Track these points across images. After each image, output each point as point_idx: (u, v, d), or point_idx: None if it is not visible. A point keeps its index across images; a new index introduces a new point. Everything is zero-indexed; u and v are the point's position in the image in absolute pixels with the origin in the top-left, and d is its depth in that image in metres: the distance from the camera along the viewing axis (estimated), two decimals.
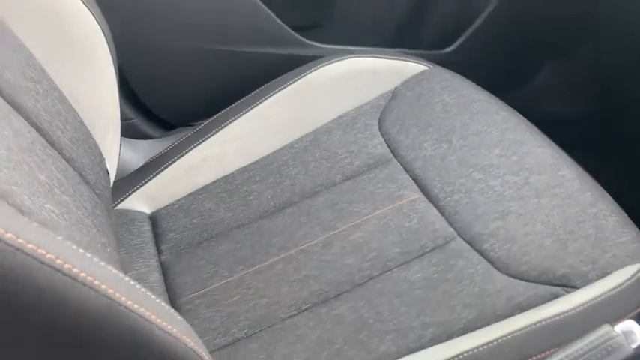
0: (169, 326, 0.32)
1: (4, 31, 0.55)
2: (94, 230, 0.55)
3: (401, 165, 0.75)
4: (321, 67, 0.83)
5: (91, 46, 0.64)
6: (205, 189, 0.77)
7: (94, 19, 0.63)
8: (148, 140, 0.91)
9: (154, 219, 0.76)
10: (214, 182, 0.78)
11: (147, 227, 0.74)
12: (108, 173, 0.70)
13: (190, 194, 0.77)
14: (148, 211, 0.77)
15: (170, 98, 0.93)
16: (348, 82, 0.83)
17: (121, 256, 0.69)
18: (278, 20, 0.88)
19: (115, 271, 0.31)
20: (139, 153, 0.87)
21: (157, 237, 0.74)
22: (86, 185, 0.60)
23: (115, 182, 0.75)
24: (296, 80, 0.82)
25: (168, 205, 0.76)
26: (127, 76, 0.88)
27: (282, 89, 0.81)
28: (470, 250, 0.63)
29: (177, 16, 0.84)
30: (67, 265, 0.27)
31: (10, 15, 0.56)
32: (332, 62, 0.83)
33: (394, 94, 0.83)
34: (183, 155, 0.78)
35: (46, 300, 0.25)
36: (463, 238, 0.65)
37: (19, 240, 0.25)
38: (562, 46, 1.04)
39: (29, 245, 0.25)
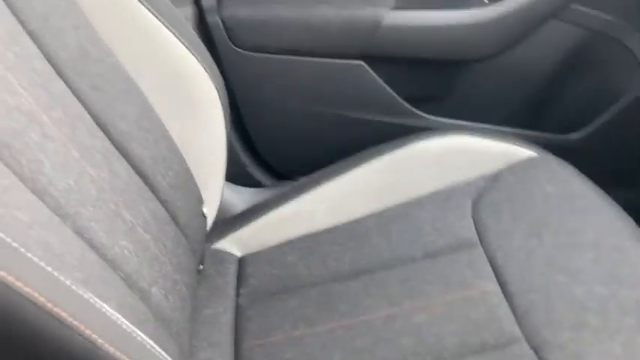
0: None
1: (129, 85, 0.64)
2: (168, 267, 0.61)
3: (484, 252, 0.72)
4: (424, 139, 0.84)
5: (204, 102, 0.72)
6: (291, 242, 0.81)
7: (210, 78, 0.71)
8: (253, 188, 0.98)
9: (242, 262, 0.81)
10: (301, 237, 0.81)
11: (233, 269, 0.80)
12: (204, 216, 0.77)
13: (277, 245, 0.81)
14: (238, 254, 0.82)
15: (282, 151, 1.00)
16: (450, 158, 0.83)
17: (202, 293, 0.75)
18: (389, 89, 0.91)
19: (113, 318, 0.35)
20: (243, 199, 0.94)
21: (240, 280, 0.79)
22: (175, 226, 0.67)
23: (214, 223, 0.82)
24: (396, 150, 0.84)
25: (256, 252, 0.82)
26: (247, 127, 0.97)
27: (381, 156, 0.83)
28: (532, 358, 0.59)
29: (294, 78, 0.91)
30: (55, 309, 0.31)
31: (135, 68, 0.65)
32: (436, 136, 0.84)
33: (495, 178, 0.81)
34: (278, 207, 0.83)
35: (26, 336, 0.30)
36: (528, 343, 0.61)
37: (18, 283, 0.30)
38: None
39: (26, 289, 0.31)
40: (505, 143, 0.83)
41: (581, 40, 0.90)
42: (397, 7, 0.88)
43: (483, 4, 0.89)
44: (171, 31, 0.67)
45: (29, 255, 0.33)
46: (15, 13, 0.49)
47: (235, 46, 0.90)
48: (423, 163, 0.83)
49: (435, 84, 0.95)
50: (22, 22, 0.49)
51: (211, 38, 0.91)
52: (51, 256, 0.40)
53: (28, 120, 0.46)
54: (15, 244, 0.33)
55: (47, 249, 0.40)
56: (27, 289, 0.30)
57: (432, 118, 0.94)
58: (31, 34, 0.50)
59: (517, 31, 0.89)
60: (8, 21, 0.48)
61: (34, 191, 0.43)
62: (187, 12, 0.91)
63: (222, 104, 0.74)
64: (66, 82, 0.53)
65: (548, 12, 0.88)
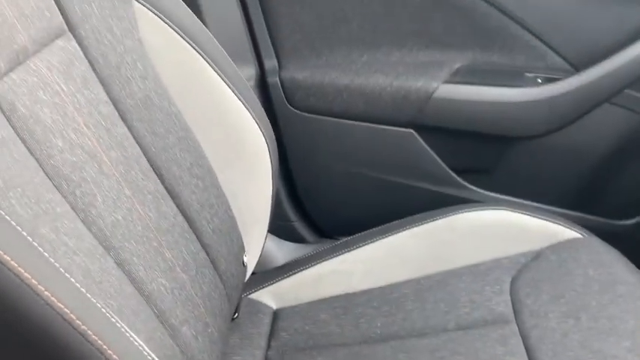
0: None
1: (186, 134, 0.69)
2: (201, 309, 0.64)
3: (518, 329, 0.71)
4: (467, 211, 0.84)
5: (255, 156, 0.76)
6: (326, 300, 0.82)
7: (262, 135, 0.75)
8: (296, 243, 1.00)
9: (276, 315, 0.83)
10: (336, 296, 0.82)
11: (267, 321, 0.81)
12: (244, 265, 0.80)
13: (313, 302, 0.82)
14: (274, 306, 0.84)
15: (328, 210, 1.02)
16: (492, 232, 0.83)
17: (234, 341, 0.77)
18: (437, 158, 0.93)
19: (136, 344, 0.38)
20: (284, 253, 0.96)
21: (272, 333, 0.80)
22: (214, 270, 0.69)
23: (253, 273, 0.84)
24: (439, 219, 0.84)
25: (290, 307, 0.83)
26: (296, 183, 1.00)
27: (423, 224, 0.84)
28: None
29: (345, 141, 0.95)
30: (82, 327, 0.34)
31: (194, 118, 0.70)
32: (479, 209, 0.84)
33: (537, 256, 0.80)
34: (317, 264, 0.84)
35: (54, 347, 0.33)
36: None
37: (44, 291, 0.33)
38: None
39: (59, 304, 0.34)
40: (549, 222, 0.83)
41: (635, 125, 0.90)
42: (449, 81, 0.91)
43: (536, 84, 0.91)
44: (231, 88, 0.72)
45: (67, 276, 0.37)
46: (90, 61, 0.55)
47: (292, 106, 0.95)
48: (464, 235, 0.83)
49: (484, 157, 0.96)
50: (95, 70, 0.55)
51: (270, 97, 0.96)
52: (90, 281, 0.43)
53: (89, 157, 0.51)
54: (57, 265, 0.37)
55: (87, 275, 0.43)
56: (59, 305, 0.34)
57: (478, 190, 0.94)
58: (102, 81, 0.56)
59: (569, 113, 0.90)
60: (83, 67, 0.54)
61: (84, 221, 0.47)
62: (250, 72, 0.97)
63: (272, 159, 0.78)
64: (128, 126, 0.58)
65: (601, 96, 0.89)
